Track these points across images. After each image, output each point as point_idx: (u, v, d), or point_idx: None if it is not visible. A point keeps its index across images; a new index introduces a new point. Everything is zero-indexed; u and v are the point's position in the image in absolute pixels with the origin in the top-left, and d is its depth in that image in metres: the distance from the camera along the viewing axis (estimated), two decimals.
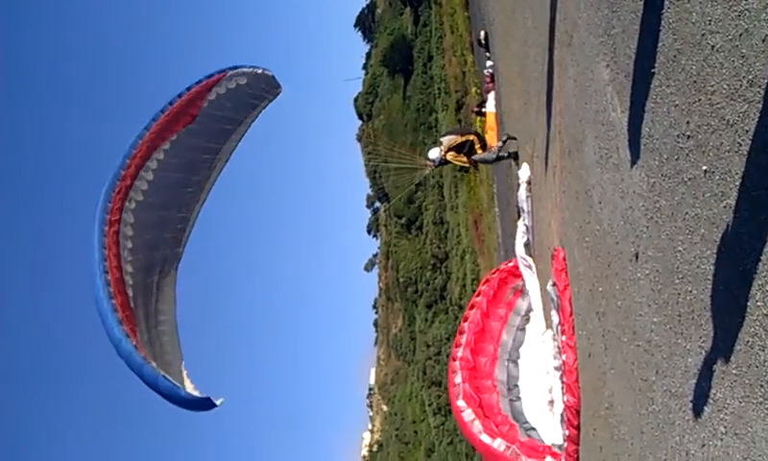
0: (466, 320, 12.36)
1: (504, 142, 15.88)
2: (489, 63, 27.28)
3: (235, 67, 13.24)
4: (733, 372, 4.26)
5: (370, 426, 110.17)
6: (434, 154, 15.29)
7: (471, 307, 12.68)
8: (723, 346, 4.46)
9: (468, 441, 10.01)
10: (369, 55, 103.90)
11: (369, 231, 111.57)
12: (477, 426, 9.62)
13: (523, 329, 12.56)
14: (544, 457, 9.11)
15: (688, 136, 4.85)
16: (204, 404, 9.33)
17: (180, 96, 12.03)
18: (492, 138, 26.26)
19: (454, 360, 11.22)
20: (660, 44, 5.29)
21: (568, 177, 9.47)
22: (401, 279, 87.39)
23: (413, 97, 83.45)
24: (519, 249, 13.27)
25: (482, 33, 30.24)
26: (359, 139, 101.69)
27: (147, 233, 11.24)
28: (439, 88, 73.81)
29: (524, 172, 14.38)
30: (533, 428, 10.41)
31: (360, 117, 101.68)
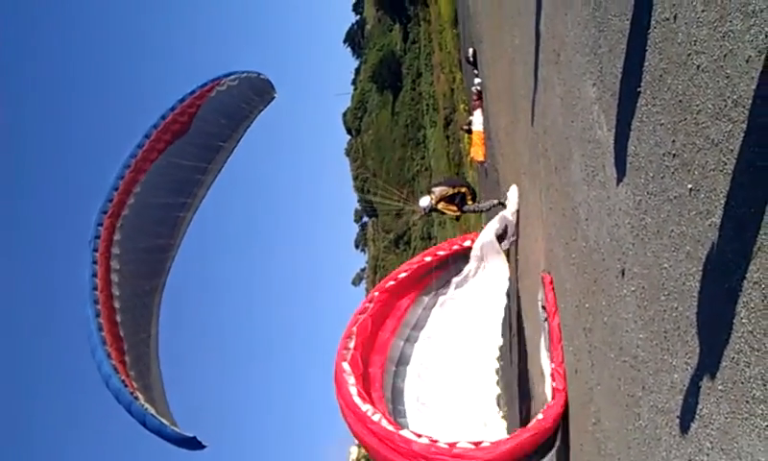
0: (377, 291, 11.68)
1: (498, 204, 16.08)
2: (477, 81, 27.47)
3: (229, 74, 13.21)
4: (719, 388, 4.30)
5: (356, 441, 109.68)
6: (424, 202, 15.53)
7: (389, 280, 12.14)
8: (709, 362, 4.50)
9: (339, 403, 9.45)
10: (358, 70, 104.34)
11: (357, 246, 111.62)
12: (353, 390, 9.27)
13: (429, 310, 12.16)
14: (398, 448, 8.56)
15: (674, 155, 4.92)
16: (191, 443, 9.32)
17: (172, 109, 11.97)
18: (477, 154, 26.46)
19: (353, 325, 10.79)
20: (646, 64, 5.37)
21: (555, 194, 9.54)
22: None
23: (401, 113, 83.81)
24: (489, 235, 13.08)
25: (470, 50, 30.46)
26: (347, 154, 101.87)
27: (135, 260, 11.20)
28: (427, 105, 74.23)
29: (513, 194, 14.51)
30: (404, 416, 10.10)
31: (349, 132, 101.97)
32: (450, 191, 15.57)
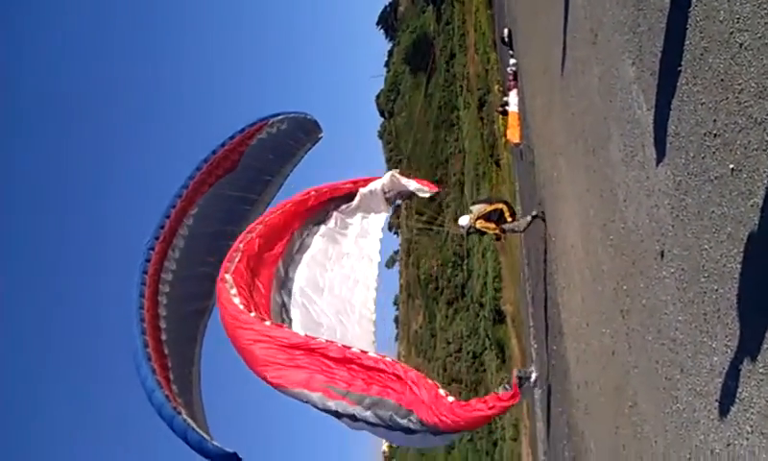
0: (271, 213, 11.42)
1: (534, 218, 15.88)
2: (512, 61, 27.17)
3: (276, 115, 13.71)
4: (760, 371, 4.25)
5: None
6: (463, 221, 15.46)
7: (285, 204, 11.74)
8: (749, 345, 4.45)
9: (220, 313, 9.16)
10: (391, 53, 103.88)
11: (390, 228, 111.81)
12: (236, 301, 9.05)
13: (314, 236, 11.88)
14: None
15: (715, 134, 4.84)
16: (231, 459, 9.54)
17: (222, 145, 12.54)
18: (513, 135, 26.22)
19: (240, 242, 10.61)
20: (686, 42, 5.28)
21: (593, 175, 9.44)
22: (422, 277, 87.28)
23: (435, 95, 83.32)
24: (377, 185, 12.89)
25: (505, 30, 30.12)
26: (380, 136, 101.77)
27: (184, 284, 11.66)
28: (461, 86, 73.61)
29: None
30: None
31: (382, 114, 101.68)
32: (488, 208, 15.40)
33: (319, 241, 11.70)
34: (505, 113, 27.36)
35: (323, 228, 11.97)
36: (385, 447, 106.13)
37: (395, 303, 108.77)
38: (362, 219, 12.60)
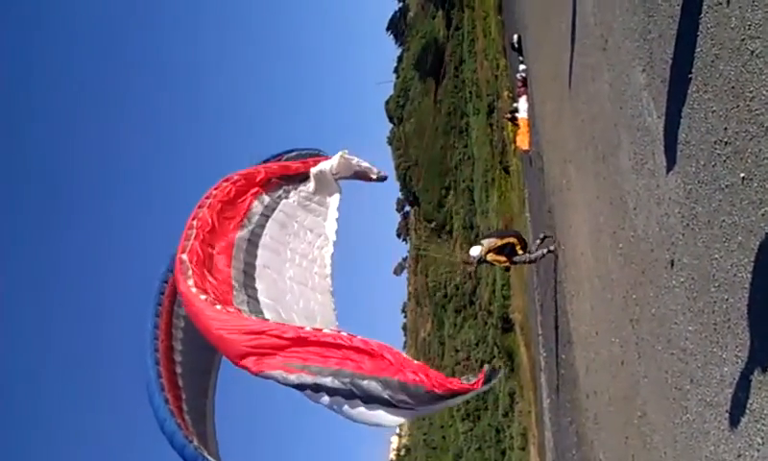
0: (220, 187, 10.75)
1: (542, 240, 15.93)
2: (521, 67, 27.13)
3: (290, 150, 14.06)
4: None
5: (398, 431, 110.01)
6: (474, 252, 15.49)
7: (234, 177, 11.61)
8: (760, 355, 4.40)
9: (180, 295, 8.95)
10: (400, 58, 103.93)
11: (398, 235, 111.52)
12: (190, 282, 8.85)
13: (267, 211, 11.71)
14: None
15: (726, 143, 4.80)
16: None
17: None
18: (523, 142, 26.17)
19: (193, 219, 10.38)
20: (697, 49, 5.24)
21: (602, 182, 9.39)
22: (430, 284, 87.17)
23: (444, 101, 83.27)
24: (326, 166, 12.84)
25: (515, 36, 30.08)
26: (389, 142, 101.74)
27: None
28: (470, 92, 73.54)
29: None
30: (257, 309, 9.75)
31: (391, 120, 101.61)
32: (499, 243, 15.44)
33: (275, 217, 11.49)
34: (514, 120, 27.31)
35: (278, 204, 11.75)
36: (393, 454, 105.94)
37: (403, 311, 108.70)
38: (316, 199, 12.41)
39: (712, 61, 4.96)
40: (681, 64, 5.61)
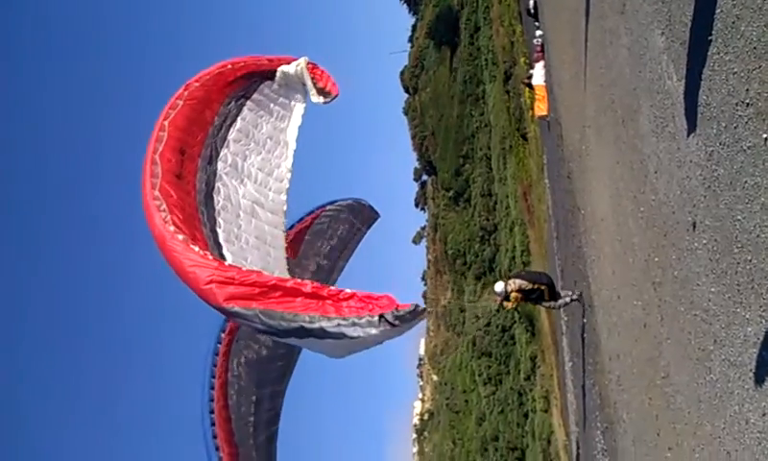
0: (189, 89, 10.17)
1: (572, 300, 15.55)
2: (538, 33, 26.83)
3: (333, 201, 14.10)
4: None
5: (420, 396, 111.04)
6: (499, 288, 15.04)
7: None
8: None
9: (154, 236, 8.56)
10: (414, 27, 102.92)
11: (416, 204, 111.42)
12: (168, 218, 8.49)
13: (234, 114, 11.26)
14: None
15: (748, 104, 4.80)
16: None
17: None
18: (540, 109, 25.97)
19: (164, 119, 9.39)
20: (717, 10, 5.22)
21: (622, 147, 9.37)
22: (450, 252, 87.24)
23: (460, 69, 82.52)
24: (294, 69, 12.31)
25: (531, 1, 29.71)
26: (405, 112, 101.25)
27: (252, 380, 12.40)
28: (486, 59, 72.80)
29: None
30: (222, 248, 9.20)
31: (406, 90, 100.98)
32: (529, 286, 15.03)
33: (238, 126, 11.14)
34: (531, 86, 27.08)
35: (241, 110, 11.39)
36: (416, 418, 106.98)
37: (423, 279, 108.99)
38: (280, 101, 12.10)
39: (733, 22, 4.94)
40: (700, 26, 5.58)
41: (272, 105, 11.59)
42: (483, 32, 73.52)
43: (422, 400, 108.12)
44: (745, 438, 5.18)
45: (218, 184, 9.96)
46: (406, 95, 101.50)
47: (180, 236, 7.88)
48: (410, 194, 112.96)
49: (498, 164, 67.79)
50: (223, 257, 8.54)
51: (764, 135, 4.56)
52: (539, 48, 25.97)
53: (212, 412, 11.42)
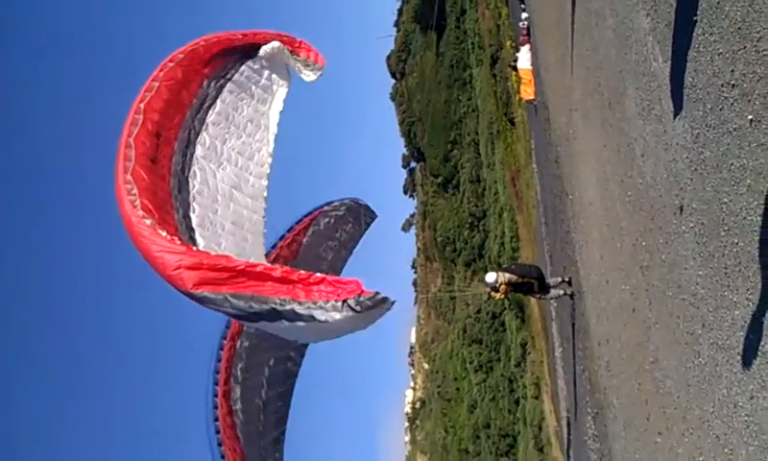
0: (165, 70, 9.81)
1: (562, 281, 15.60)
2: (524, 16, 26.71)
3: (330, 202, 14.19)
4: None
5: (412, 384, 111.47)
6: (490, 278, 15.02)
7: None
8: None
9: (124, 222, 8.37)
10: (400, 11, 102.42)
11: (405, 191, 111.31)
12: (138, 203, 8.34)
13: (213, 95, 10.46)
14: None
15: (733, 85, 4.74)
16: None
17: (281, 238, 12.98)
18: (526, 93, 25.89)
19: (140, 102, 9.10)
20: None
21: (609, 130, 9.32)
22: (439, 239, 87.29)
23: (446, 53, 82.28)
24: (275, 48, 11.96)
25: None
26: (392, 98, 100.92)
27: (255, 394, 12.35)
28: (473, 43, 72.57)
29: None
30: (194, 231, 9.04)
31: (393, 76, 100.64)
32: (519, 280, 15.09)
33: (217, 108, 10.77)
34: (516, 69, 26.99)
35: (221, 91, 10.69)
36: (408, 407, 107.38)
37: (412, 267, 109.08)
38: (262, 83, 11.79)
39: (718, 3, 4.87)
40: (685, 7, 5.51)
41: (253, 87, 11.29)
42: (469, 15, 73.28)
43: (414, 389, 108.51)
44: (734, 421, 5.16)
45: (195, 168, 9.74)
46: (393, 80, 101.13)
47: (148, 221, 7.66)
48: (399, 181, 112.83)
49: (486, 149, 67.73)
50: (194, 241, 8.44)
51: (750, 117, 4.50)
52: (524, 31, 25.85)
53: (216, 419, 11.52)
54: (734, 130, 4.76)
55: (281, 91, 11.59)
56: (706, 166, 5.36)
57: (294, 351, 12.95)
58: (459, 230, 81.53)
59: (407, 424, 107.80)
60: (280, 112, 11.43)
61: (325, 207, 14.16)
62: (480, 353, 72.90)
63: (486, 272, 15.90)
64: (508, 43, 45.44)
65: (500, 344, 67.16)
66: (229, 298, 7.07)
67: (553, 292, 15.60)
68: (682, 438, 6.57)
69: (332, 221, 14.18)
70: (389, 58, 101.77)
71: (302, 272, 7.50)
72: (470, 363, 76.38)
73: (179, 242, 7.55)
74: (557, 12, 15.42)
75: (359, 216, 15.09)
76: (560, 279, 15.84)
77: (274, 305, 6.96)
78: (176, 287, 7.26)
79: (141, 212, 7.78)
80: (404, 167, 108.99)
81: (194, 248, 7.82)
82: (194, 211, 9.26)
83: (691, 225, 5.83)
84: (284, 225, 13.23)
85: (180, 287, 7.20)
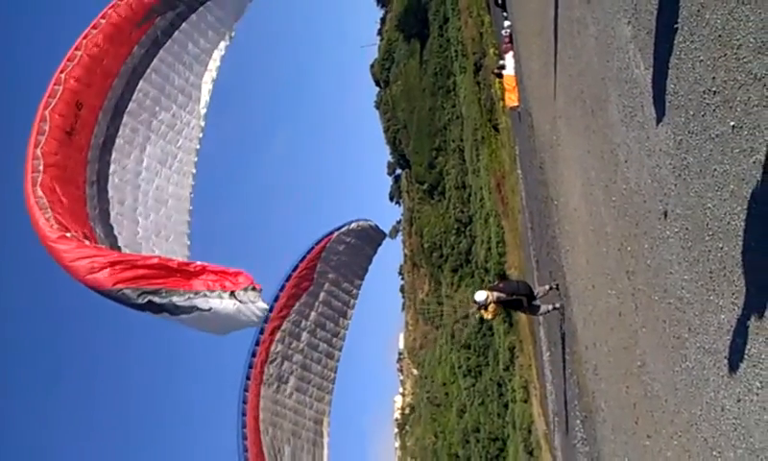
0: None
1: (550, 289, 15.69)
2: (506, 24, 26.93)
3: (340, 227, 14.65)
4: None
5: (401, 390, 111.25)
6: (480, 297, 15.06)
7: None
8: (756, 301, 4.46)
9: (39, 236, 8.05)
10: (383, 20, 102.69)
11: (391, 198, 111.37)
12: (52, 219, 7.39)
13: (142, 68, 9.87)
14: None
15: (715, 92, 4.80)
16: None
17: (295, 269, 13.46)
18: (511, 100, 26.03)
19: (61, 72, 8.53)
20: None
21: (592, 136, 9.39)
22: (426, 245, 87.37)
23: (430, 61, 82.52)
24: None
25: None
26: (377, 106, 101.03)
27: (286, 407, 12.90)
28: (456, 51, 72.88)
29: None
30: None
31: (377, 84, 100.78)
32: (507, 298, 15.14)
33: (148, 77, 9.88)
34: (500, 76, 27.16)
35: (156, 57, 9.97)
36: (397, 413, 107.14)
37: (399, 273, 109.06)
38: (196, 49, 10.34)
39: (698, 10, 4.93)
40: (666, 15, 5.57)
41: (185, 56, 10.59)
42: (452, 23, 73.60)
43: (403, 395, 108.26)
44: (721, 424, 5.21)
45: (118, 140, 9.26)
46: (378, 88, 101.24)
47: (56, 226, 7.31)
48: (385, 188, 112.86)
49: (471, 156, 67.93)
50: (107, 217, 8.28)
51: (732, 123, 4.56)
52: (507, 39, 26.04)
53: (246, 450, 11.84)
54: (717, 136, 4.82)
55: (215, 58, 10.93)
56: (689, 172, 5.42)
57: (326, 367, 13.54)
58: (445, 236, 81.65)
59: (397, 429, 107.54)
60: (213, 82, 10.86)
61: (335, 233, 14.41)
62: (468, 358, 72.96)
63: (474, 291, 15.91)
64: (491, 51, 45.70)
65: (488, 348, 67.27)
66: (120, 293, 6.95)
67: (543, 308, 15.64)
68: (670, 441, 6.61)
69: (343, 246, 14.55)
70: (373, 66, 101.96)
71: (182, 260, 7.47)
72: (459, 368, 76.39)
73: (88, 243, 7.32)
74: (539, 20, 15.53)
75: (368, 237, 15.41)
76: (548, 287, 15.88)
77: (152, 298, 6.95)
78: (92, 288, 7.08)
79: (50, 215, 7.37)
80: (390, 174, 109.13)
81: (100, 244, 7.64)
82: (113, 185, 8.88)
83: (676, 230, 5.88)
84: (296, 255, 13.77)
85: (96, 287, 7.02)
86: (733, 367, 4.86)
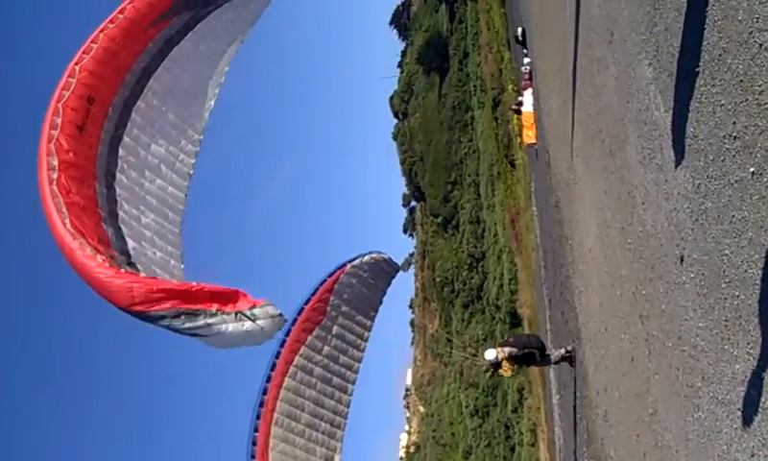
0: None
1: (562, 359, 15.59)
2: (526, 60, 27.05)
3: (352, 259, 14.64)
4: None
5: (406, 428, 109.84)
6: (490, 355, 14.97)
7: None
8: None
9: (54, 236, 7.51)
10: (404, 53, 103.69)
11: (405, 231, 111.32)
12: (67, 222, 7.51)
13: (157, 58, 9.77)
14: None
15: (735, 137, 4.73)
16: None
17: (307, 302, 13.54)
18: (528, 137, 26.05)
19: (76, 64, 8.46)
20: (704, 42, 5.16)
21: (610, 177, 9.31)
22: (438, 279, 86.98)
23: (449, 95, 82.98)
24: None
25: (519, 29, 29.99)
26: (395, 138, 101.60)
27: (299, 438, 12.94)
28: (475, 86, 73.25)
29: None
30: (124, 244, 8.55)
31: (396, 116, 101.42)
32: (519, 352, 15.00)
33: (162, 71, 9.85)
34: (519, 113, 27.24)
35: (166, 55, 9.96)
36: (402, 451, 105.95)
37: (410, 307, 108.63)
38: (208, 49, 10.60)
39: (720, 55, 4.88)
40: (688, 58, 5.53)
41: (196, 56, 10.50)
42: (472, 58, 74.11)
43: (409, 433, 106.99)
44: None
45: (126, 137, 9.18)
46: (396, 120, 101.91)
47: (80, 241, 7.36)
48: (399, 220, 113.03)
49: (487, 191, 67.87)
50: (115, 217, 8.31)
51: (751, 169, 4.48)
52: (527, 76, 26.15)
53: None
54: (736, 182, 4.74)
55: (225, 61, 10.96)
56: (707, 217, 5.33)
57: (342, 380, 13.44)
58: (458, 271, 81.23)
59: None
60: (220, 85, 10.81)
61: (348, 266, 14.36)
62: (477, 398, 72.08)
63: (485, 348, 15.74)
64: (510, 87, 45.88)
65: (497, 388, 66.45)
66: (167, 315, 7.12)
67: (554, 355, 15.46)
68: None
69: (356, 278, 14.50)
70: (392, 98, 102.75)
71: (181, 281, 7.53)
72: (466, 407, 75.47)
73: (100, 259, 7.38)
74: (559, 58, 15.56)
75: (381, 271, 15.37)
76: (563, 351, 15.58)
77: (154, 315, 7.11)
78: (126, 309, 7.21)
79: (72, 229, 7.43)
80: (405, 206, 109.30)
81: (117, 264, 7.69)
82: (120, 183, 8.86)
83: (692, 275, 5.77)
84: (309, 287, 13.77)
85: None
86: (747, 420, 4.72)
